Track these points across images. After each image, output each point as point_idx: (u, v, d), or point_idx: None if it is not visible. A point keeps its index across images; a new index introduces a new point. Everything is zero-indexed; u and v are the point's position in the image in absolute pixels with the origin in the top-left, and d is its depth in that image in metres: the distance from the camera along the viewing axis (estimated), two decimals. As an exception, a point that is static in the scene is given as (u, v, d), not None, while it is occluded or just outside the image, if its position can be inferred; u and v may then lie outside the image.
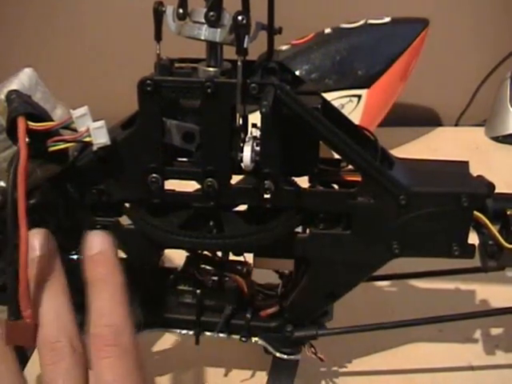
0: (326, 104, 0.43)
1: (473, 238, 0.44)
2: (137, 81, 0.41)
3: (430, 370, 0.55)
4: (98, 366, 0.36)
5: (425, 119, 1.05)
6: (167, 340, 0.57)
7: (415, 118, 1.04)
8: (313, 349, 0.48)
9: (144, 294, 0.47)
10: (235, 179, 0.44)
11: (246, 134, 0.42)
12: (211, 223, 0.44)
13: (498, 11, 0.98)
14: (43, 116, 0.41)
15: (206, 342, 0.48)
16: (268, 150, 0.41)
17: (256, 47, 0.41)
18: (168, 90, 0.40)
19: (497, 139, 0.97)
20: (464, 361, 0.55)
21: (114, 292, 0.38)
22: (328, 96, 0.48)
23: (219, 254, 0.48)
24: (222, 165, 0.42)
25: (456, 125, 1.07)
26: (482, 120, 1.02)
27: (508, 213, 0.44)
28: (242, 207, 0.45)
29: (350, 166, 0.44)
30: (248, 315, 0.47)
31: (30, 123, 0.40)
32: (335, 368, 0.54)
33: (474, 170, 0.46)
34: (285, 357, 0.47)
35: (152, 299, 0.48)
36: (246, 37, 0.39)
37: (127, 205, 0.44)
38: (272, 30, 0.41)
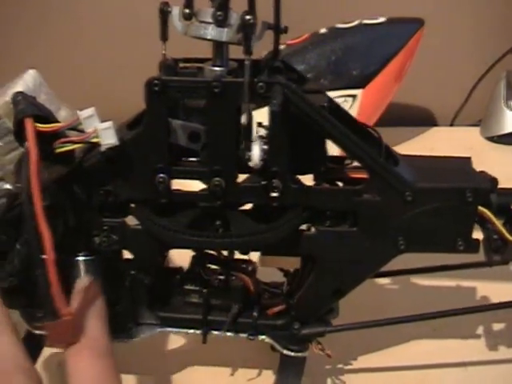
0: (332, 102, 0.44)
1: (476, 234, 0.45)
2: (139, 81, 0.41)
3: (423, 366, 0.55)
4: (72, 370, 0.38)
5: (420, 119, 1.05)
6: (173, 340, 0.57)
7: (410, 118, 1.04)
8: (320, 346, 0.48)
9: (150, 294, 0.47)
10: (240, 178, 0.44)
11: (252, 132, 0.42)
12: (217, 222, 0.44)
13: (493, 12, 0.98)
14: (49, 117, 0.41)
15: (212, 341, 0.49)
16: (276, 149, 0.41)
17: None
18: (175, 90, 0.41)
19: (492, 139, 0.97)
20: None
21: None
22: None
23: (225, 252, 0.48)
24: (229, 164, 0.42)
25: (451, 125, 1.07)
26: (477, 120, 1.02)
27: (512, 207, 0.45)
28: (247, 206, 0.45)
29: (354, 164, 0.45)
30: (255, 313, 0.47)
31: (37, 125, 0.40)
32: (339, 365, 0.54)
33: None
34: (292, 354, 0.47)
35: (158, 299, 0.48)
36: (253, 36, 0.39)
37: (133, 205, 0.44)
38: (278, 29, 0.41)
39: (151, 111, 0.41)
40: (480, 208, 0.44)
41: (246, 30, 0.39)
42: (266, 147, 0.41)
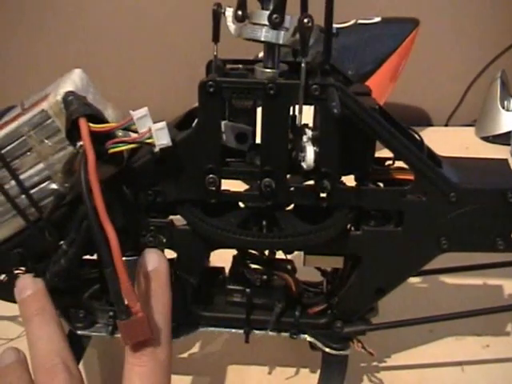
0: (380, 105, 0.44)
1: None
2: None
3: (417, 365, 0.56)
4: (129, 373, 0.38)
5: (415, 119, 1.06)
6: (210, 339, 0.57)
7: (405, 118, 1.03)
8: (361, 344, 0.48)
9: (194, 293, 0.48)
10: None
11: (301, 133, 0.43)
12: (264, 222, 0.44)
13: (488, 12, 1.00)
14: (100, 117, 0.41)
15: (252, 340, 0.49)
16: (327, 150, 0.41)
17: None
18: (228, 91, 0.41)
19: (487, 139, 0.99)
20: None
21: (162, 309, 0.40)
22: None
23: (266, 252, 0.48)
24: (280, 165, 0.42)
25: (446, 125, 1.09)
26: (472, 120, 1.04)
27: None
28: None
29: (397, 164, 0.45)
30: (297, 313, 0.48)
31: (91, 125, 0.40)
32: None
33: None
34: (335, 352, 0.48)
35: (201, 299, 0.48)
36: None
37: (183, 205, 0.44)
38: (331, 32, 0.42)
39: (204, 112, 0.41)
40: (520, 209, 0.45)
41: (304, 33, 0.39)
42: (316, 149, 0.41)
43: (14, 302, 0.48)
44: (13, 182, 0.43)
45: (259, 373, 0.54)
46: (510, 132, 0.96)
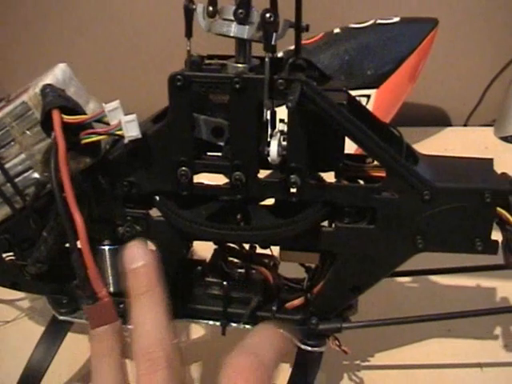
0: (352, 100, 0.44)
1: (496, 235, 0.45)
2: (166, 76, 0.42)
3: (436, 366, 0.55)
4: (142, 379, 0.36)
5: (434, 119, 1.05)
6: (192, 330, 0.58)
7: (424, 118, 1.04)
8: (337, 341, 0.48)
9: (172, 284, 0.48)
10: (262, 174, 0.45)
11: (274, 128, 0.43)
12: (238, 216, 0.45)
13: (507, 11, 0.97)
14: (76, 109, 0.43)
15: (233, 333, 0.49)
16: (294, 145, 0.42)
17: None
18: (198, 85, 0.42)
19: (506, 139, 0.97)
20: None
21: (156, 306, 0.38)
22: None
23: (247, 246, 0.49)
24: (250, 159, 0.43)
25: (465, 125, 1.07)
26: (491, 120, 1.02)
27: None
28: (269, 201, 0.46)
29: (376, 162, 0.45)
30: (274, 307, 0.48)
31: (64, 116, 0.41)
32: (356, 362, 0.55)
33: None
34: (309, 349, 0.48)
35: (180, 290, 0.49)
36: (274, 34, 0.40)
37: (157, 197, 0.45)
38: (299, 27, 0.42)
39: (174, 106, 0.42)
40: (499, 209, 0.43)
41: (266, 28, 0.40)
42: (285, 143, 0.42)
43: (5, 286, 0.50)
44: (-1, 171, 0.45)
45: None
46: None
